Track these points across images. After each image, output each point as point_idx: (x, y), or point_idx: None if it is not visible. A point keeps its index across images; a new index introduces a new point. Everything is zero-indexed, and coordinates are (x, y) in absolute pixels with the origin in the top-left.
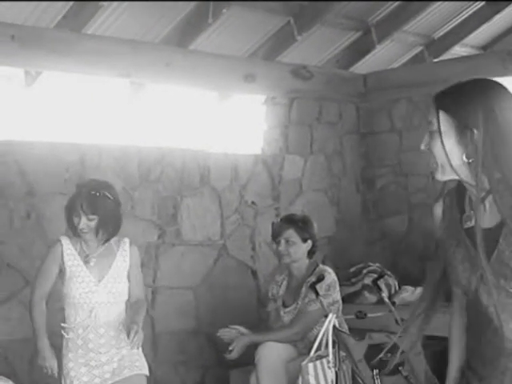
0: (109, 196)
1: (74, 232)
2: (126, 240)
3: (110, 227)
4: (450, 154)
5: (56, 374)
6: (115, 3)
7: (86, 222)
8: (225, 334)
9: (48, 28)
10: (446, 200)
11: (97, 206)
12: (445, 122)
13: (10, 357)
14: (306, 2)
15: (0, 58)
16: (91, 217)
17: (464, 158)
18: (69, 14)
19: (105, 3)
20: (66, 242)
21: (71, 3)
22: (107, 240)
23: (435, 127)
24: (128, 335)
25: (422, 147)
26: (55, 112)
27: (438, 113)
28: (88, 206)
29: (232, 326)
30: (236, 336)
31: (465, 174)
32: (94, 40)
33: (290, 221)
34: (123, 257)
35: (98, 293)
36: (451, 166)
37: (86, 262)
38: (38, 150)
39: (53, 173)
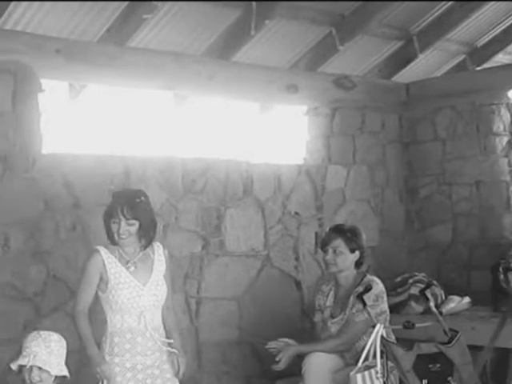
0: (147, 202)
1: (112, 240)
2: (159, 245)
3: (151, 232)
4: None
5: (109, 378)
6: (158, 17)
7: (125, 228)
8: (273, 346)
9: (92, 42)
10: None
11: (137, 210)
12: None
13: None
14: (348, 12)
15: (45, 71)
16: (131, 221)
17: None
18: (112, 28)
19: (148, 16)
20: (104, 251)
21: (115, 17)
22: (147, 246)
23: None
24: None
25: None
26: (99, 125)
27: None
28: (128, 210)
29: (280, 339)
30: (283, 347)
31: None
32: (137, 53)
33: (339, 230)
34: (160, 261)
35: (144, 296)
36: None
37: (128, 268)
38: (84, 163)
39: (98, 185)
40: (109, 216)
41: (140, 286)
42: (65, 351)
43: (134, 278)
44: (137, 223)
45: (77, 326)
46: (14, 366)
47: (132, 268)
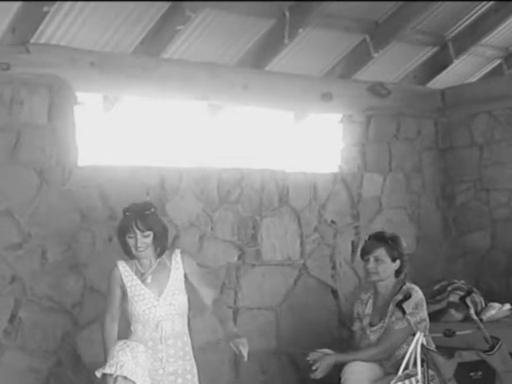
0: (156, 212)
1: (129, 255)
2: (177, 251)
3: (163, 241)
4: None
5: None
6: (191, 28)
7: (142, 240)
8: (313, 357)
9: (126, 54)
10: None
11: (150, 221)
12: None
13: (94, 379)
14: (382, 19)
15: (80, 84)
16: (146, 233)
17: None
18: (146, 40)
19: (182, 27)
20: (122, 266)
21: (148, 29)
22: (161, 254)
23: None
24: (239, 351)
25: None
26: (134, 136)
27: None
28: (142, 223)
29: (319, 350)
30: (322, 357)
31: None
32: (171, 64)
33: (381, 239)
34: (177, 269)
35: (160, 307)
36: None
37: (144, 280)
38: (119, 174)
39: (134, 196)
40: (123, 232)
41: (155, 297)
42: (149, 362)
43: (149, 289)
44: (151, 234)
45: (101, 336)
46: (98, 374)
47: (149, 280)
